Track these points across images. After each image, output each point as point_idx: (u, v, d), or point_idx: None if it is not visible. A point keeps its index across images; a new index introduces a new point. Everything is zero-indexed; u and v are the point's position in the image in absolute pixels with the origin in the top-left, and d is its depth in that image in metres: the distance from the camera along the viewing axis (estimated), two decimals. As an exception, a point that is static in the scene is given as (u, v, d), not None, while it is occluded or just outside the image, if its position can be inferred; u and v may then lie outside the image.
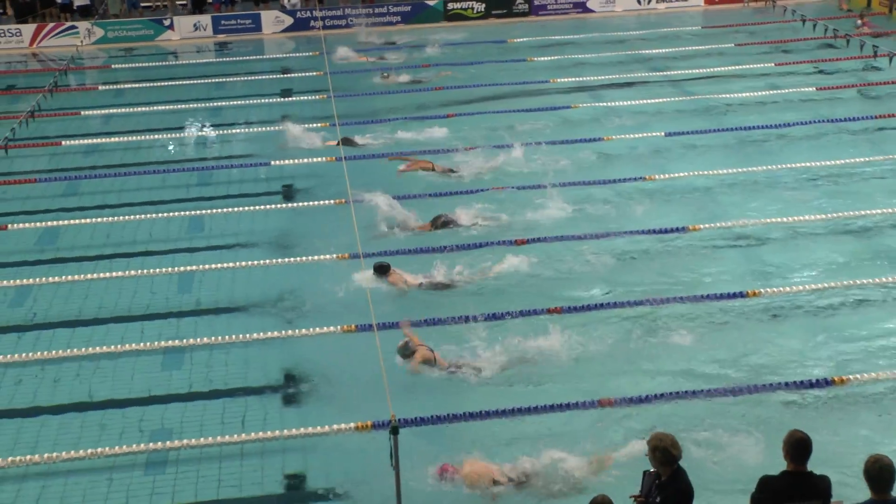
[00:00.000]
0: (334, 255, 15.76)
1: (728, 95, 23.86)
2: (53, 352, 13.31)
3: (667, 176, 18.90)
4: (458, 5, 34.89)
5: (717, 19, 32.80)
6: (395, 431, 8.09)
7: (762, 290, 14.27)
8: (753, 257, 15.68)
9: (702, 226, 16.51)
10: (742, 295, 14.13)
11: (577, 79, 26.10)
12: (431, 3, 34.99)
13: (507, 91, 25.11)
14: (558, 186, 18.08)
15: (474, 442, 11.07)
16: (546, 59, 28.45)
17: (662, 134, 21.22)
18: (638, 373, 12.51)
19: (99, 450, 11.19)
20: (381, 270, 14.77)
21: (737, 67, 26.23)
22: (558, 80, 25.96)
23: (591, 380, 12.33)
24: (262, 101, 25.40)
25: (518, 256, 15.49)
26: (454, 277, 14.95)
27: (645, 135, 21.30)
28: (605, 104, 23.77)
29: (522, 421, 11.42)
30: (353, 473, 10.72)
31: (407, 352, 12.66)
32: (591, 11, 35.16)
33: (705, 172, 18.91)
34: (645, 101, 23.72)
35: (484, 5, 34.88)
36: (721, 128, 21.62)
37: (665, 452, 7.75)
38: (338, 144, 20.01)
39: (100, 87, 27.59)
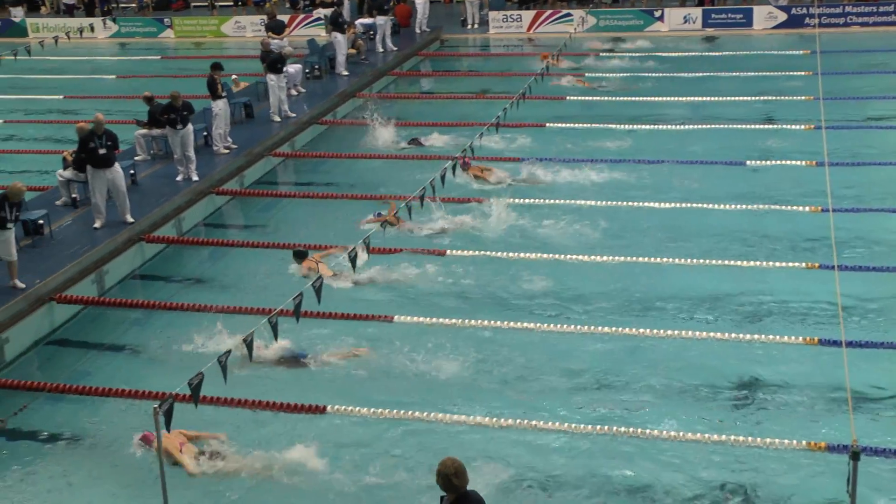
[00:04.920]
0: (803, 264, 15.20)
1: None
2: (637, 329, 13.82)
3: None
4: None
5: None
6: (855, 457, 7.61)
7: None
8: None
9: None
10: None
11: None
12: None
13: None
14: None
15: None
16: None
17: None
18: None
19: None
20: (299, 256, 15.44)
21: None
22: None
23: None
24: (744, 98, 24.90)
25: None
26: None
27: None
28: None
29: None
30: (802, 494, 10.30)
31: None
32: None
33: None
34: None
35: None
36: None
37: (446, 479, 7.78)
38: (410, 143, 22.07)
39: (586, 74, 28.51)
